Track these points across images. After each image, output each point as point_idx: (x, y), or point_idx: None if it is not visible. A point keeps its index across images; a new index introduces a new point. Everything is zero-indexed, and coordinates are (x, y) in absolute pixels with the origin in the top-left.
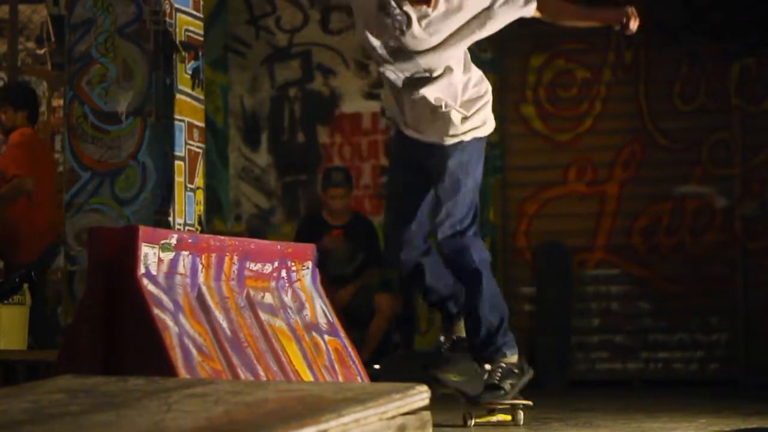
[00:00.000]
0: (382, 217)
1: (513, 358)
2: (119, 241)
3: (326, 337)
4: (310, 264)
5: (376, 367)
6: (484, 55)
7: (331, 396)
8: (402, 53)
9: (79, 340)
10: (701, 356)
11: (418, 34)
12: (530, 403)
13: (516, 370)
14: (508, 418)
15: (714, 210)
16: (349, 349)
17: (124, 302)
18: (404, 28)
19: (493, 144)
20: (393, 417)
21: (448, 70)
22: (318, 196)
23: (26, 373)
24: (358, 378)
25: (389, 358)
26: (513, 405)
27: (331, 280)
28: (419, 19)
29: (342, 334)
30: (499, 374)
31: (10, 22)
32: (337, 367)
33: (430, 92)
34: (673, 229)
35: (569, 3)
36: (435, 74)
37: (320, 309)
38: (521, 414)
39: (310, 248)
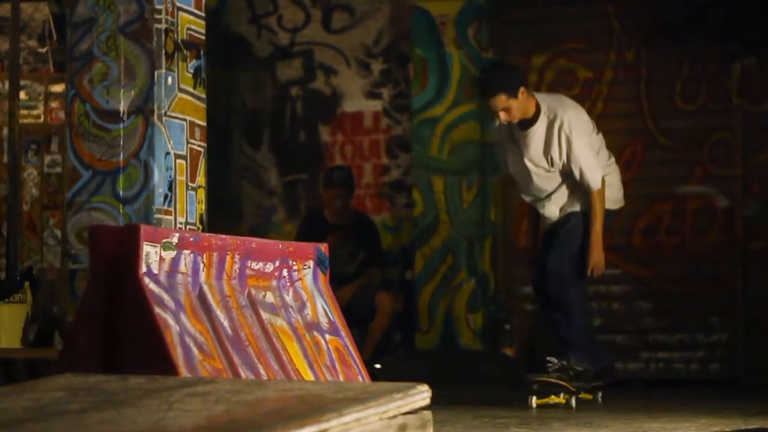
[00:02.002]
0: (383, 216)
1: (576, 365)
2: (121, 239)
3: (327, 336)
4: (311, 263)
5: (377, 366)
6: (486, 54)
7: (331, 395)
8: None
9: (80, 339)
10: (702, 356)
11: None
12: (573, 389)
13: (571, 372)
14: (563, 401)
15: (715, 210)
16: (350, 348)
17: (125, 301)
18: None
19: (493, 144)
20: (394, 416)
21: (557, 189)
22: (319, 195)
23: (27, 371)
24: (359, 377)
25: (390, 357)
26: (570, 391)
27: (331, 279)
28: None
29: (343, 333)
30: (555, 366)
31: (12, 20)
32: (338, 366)
33: (549, 209)
34: (673, 229)
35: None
36: (548, 194)
37: (321, 308)
38: (574, 400)
39: (311, 247)
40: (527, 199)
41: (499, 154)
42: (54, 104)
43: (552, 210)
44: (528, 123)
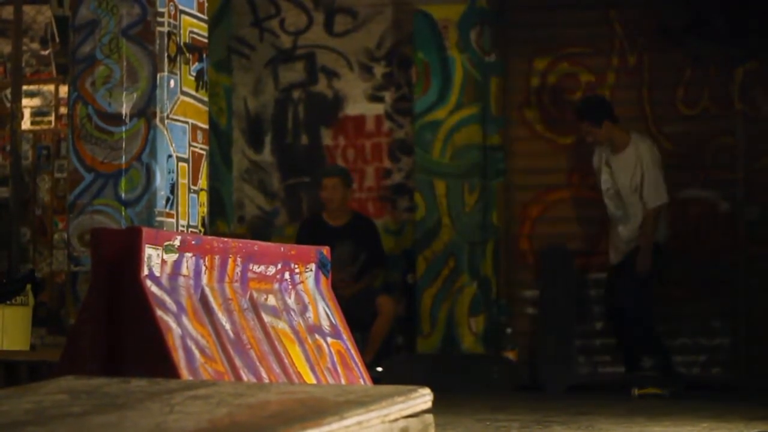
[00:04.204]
0: (385, 219)
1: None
2: (122, 242)
3: (329, 339)
4: (313, 266)
5: (379, 369)
6: (488, 58)
7: (333, 398)
8: None
9: (82, 341)
10: (703, 360)
11: None
12: (666, 383)
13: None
14: (660, 391)
15: (717, 214)
16: (352, 351)
17: (126, 303)
18: None
19: (496, 147)
20: (395, 420)
21: (634, 212)
22: (319, 198)
23: (29, 373)
24: (361, 380)
25: (392, 360)
26: (663, 384)
27: (334, 282)
28: None
29: (345, 336)
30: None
31: (15, 22)
32: (339, 369)
33: (625, 229)
34: (675, 233)
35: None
36: (625, 214)
37: (323, 311)
38: (668, 391)
39: (313, 250)
40: (611, 216)
41: (596, 175)
42: (65, 110)
43: (624, 232)
44: (617, 150)
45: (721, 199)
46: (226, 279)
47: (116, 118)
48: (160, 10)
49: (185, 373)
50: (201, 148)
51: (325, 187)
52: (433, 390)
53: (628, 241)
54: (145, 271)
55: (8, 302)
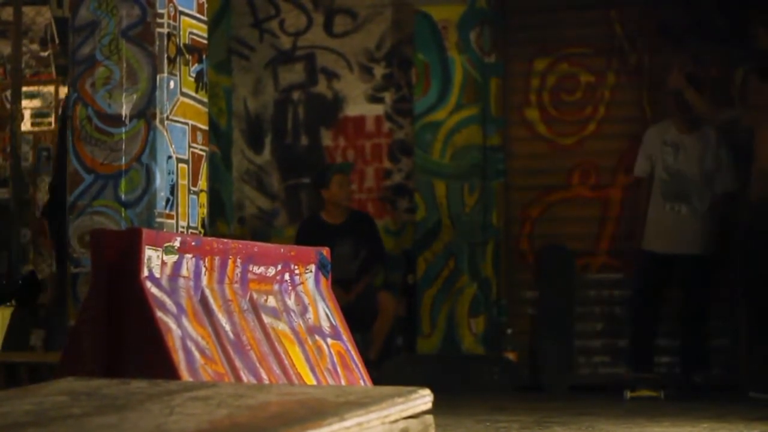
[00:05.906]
0: (385, 220)
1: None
2: (122, 243)
3: (329, 340)
4: (313, 267)
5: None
6: (488, 58)
7: (333, 399)
8: None
9: (82, 343)
10: None
11: None
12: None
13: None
14: (656, 394)
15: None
16: (352, 352)
17: (126, 305)
18: None
19: (496, 147)
20: (395, 421)
21: (700, 194)
22: (320, 197)
23: (29, 374)
24: (361, 381)
25: (392, 361)
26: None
27: (336, 281)
28: None
29: (345, 337)
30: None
31: (14, 24)
32: (339, 370)
33: (688, 209)
34: None
35: None
36: (690, 195)
37: (323, 312)
38: (662, 393)
39: (313, 251)
40: (666, 194)
41: (643, 158)
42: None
43: (688, 213)
44: (687, 130)
45: None
46: (226, 280)
47: (116, 120)
48: (160, 11)
49: (185, 375)
50: (201, 149)
51: (338, 184)
52: (433, 391)
53: (703, 225)
54: (145, 273)
55: (8, 303)
